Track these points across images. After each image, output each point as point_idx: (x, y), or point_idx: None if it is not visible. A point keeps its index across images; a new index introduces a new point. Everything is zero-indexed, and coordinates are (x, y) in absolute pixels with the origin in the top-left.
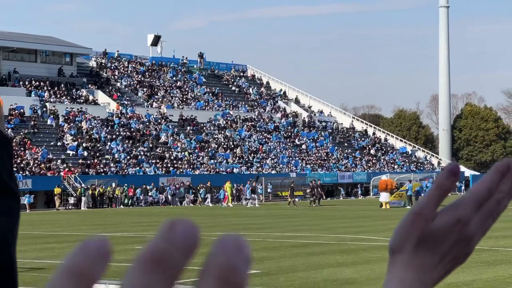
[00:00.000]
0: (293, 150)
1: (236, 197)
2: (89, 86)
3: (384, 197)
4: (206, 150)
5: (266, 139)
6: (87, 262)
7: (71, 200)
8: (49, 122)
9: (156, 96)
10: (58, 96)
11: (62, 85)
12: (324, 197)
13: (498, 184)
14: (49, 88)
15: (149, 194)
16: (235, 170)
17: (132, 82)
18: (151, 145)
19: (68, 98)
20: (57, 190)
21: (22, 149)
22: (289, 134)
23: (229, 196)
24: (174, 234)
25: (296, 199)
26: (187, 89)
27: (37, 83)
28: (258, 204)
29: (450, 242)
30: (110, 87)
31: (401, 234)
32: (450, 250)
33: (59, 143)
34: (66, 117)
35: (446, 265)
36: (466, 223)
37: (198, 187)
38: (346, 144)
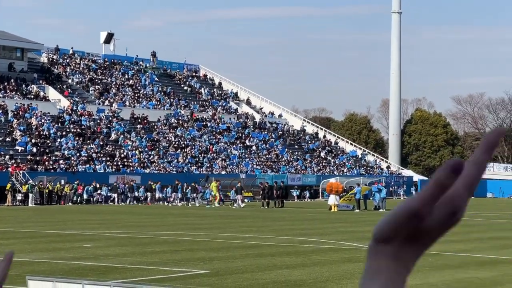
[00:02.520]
0: (243, 151)
1: (185, 197)
2: (40, 82)
3: (332, 199)
4: (157, 149)
5: (217, 139)
6: None
7: (19, 197)
8: None
9: (107, 94)
10: (8, 91)
11: (12, 80)
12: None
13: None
14: None
15: (98, 192)
16: (185, 170)
17: (83, 79)
18: (101, 143)
19: (18, 93)
20: (9, 186)
21: None
22: (240, 135)
23: (217, 195)
24: None
25: (246, 200)
26: (139, 87)
27: None
28: (208, 205)
29: (440, 235)
30: (61, 84)
31: (392, 228)
32: (435, 241)
33: (8, 139)
34: (16, 113)
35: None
36: (459, 213)
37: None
38: (296, 146)
